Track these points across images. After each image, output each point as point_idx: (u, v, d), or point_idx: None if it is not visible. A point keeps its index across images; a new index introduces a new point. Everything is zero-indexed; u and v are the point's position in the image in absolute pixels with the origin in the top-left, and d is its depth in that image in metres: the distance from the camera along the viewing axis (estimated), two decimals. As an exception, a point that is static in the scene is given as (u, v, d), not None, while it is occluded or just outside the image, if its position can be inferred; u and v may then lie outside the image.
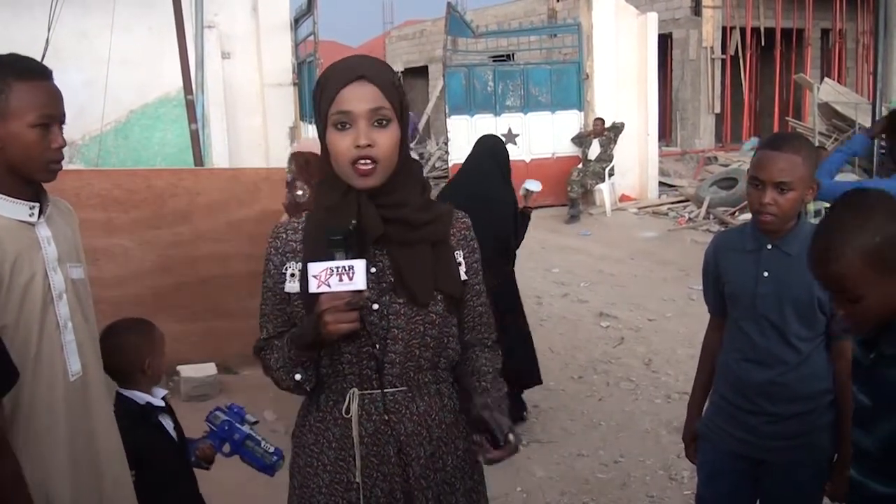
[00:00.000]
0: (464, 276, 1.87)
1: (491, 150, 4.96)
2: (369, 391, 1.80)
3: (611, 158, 12.74)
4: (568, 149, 13.25)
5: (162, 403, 2.58)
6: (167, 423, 2.58)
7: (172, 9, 7.59)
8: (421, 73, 23.32)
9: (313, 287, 1.65)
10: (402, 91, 1.77)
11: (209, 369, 5.59)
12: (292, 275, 1.81)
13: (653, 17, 13.58)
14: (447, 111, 13.09)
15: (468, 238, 1.91)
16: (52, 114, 1.90)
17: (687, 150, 16.21)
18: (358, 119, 1.69)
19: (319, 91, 1.75)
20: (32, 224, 1.91)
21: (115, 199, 5.35)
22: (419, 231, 1.79)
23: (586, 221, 12.51)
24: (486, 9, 21.62)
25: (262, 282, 1.87)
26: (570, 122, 13.50)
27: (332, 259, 1.65)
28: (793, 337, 2.37)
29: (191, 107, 7.90)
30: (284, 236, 1.86)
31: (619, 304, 7.78)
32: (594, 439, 4.81)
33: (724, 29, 16.65)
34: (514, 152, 13.41)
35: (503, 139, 5.42)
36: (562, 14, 17.14)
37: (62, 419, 1.88)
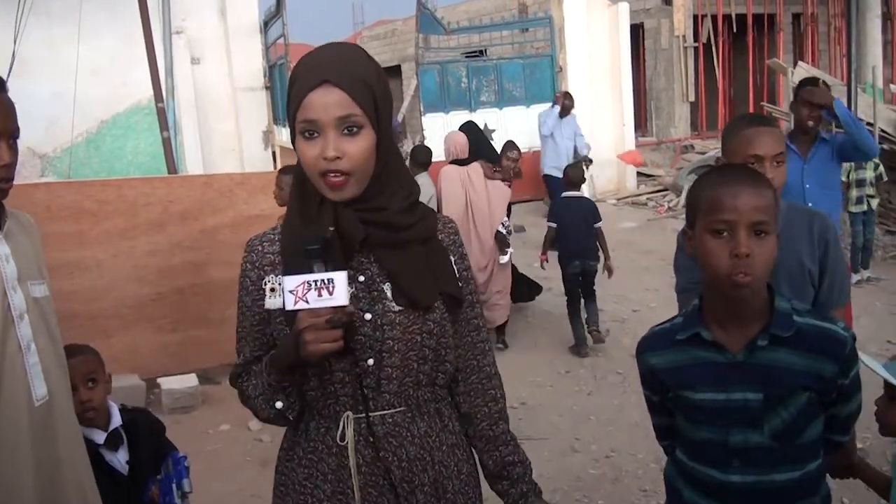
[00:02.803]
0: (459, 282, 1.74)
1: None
2: (365, 414, 1.63)
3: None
4: (544, 143, 13.21)
5: (100, 441, 2.47)
6: (114, 458, 2.48)
7: (140, 16, 7.46)
8: (394, 72, 23.17)
9: (290, 304, 1.49)
10: (379, 86, 1.60)
11: (190, 380, 5.49)
12: (272, 289, 1.65)
13: (624, 8, 13.56)
14: (422, 109, 13.00)
15: (457, 244, 1.77)
16: None
17: (663, 140, 16.21)
18: (325, 128, 1.54)
19: (288, 92, 1.61)
20: None
21: (86, 211, 5.24)
22: (405, 232, 1.64)
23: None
24: (457, 5, 21.53)
25: (238, 301, 1.71)
26: (545, 115, 13.45)
27: (311, 271, 1.49)
28: None
29: (161, 114, 7.78)
30: (260, 249, 1.70)
31: (602, 296, 7.68)
32: (584, 434, 4.76)
33: (695, 17, 16.66)
34: (491, 148, 13.45)
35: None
36: (532, 8, 17.08)
37: (28, 446, 1.77)
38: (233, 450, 4.76)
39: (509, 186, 6.67)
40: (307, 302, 1.48)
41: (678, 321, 1.88)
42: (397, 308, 1.63)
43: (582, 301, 6.41)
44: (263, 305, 1.68)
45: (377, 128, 1.59)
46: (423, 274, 1.65)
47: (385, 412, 1.65)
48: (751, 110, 16.25)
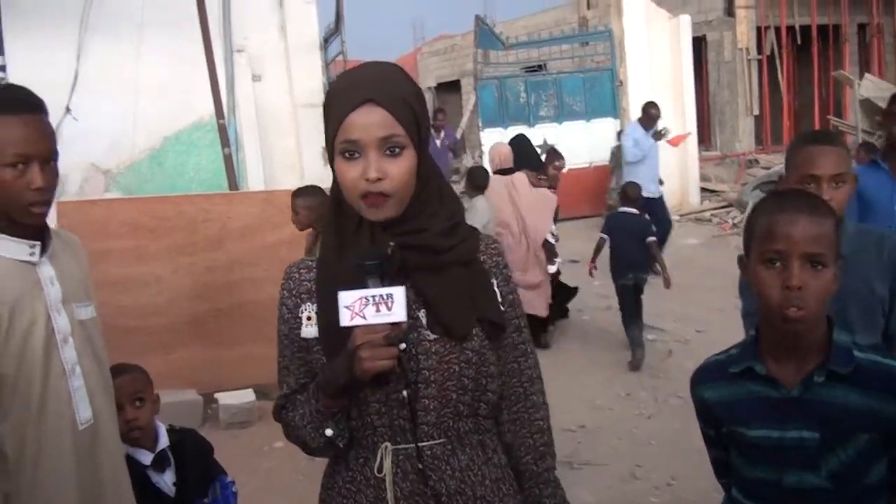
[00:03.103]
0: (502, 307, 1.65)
1: None
2: (403, 445, 1.57)
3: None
4: (605, 157, 13.01)
5: (146, 462, 2.44)
6: (161, 479, 2.44)
7: (201, 35, 7.56)
8: (453, 87, 23.24)
9: (345, 320, 1.44)
10: (419, 106, 1.56)
11: (247, 395, 5.50)
12: (308, 318, 1.61)
13: (685, 20, 13.33)
14: (480, 124, 12.97)
15: (500, 265, 1.68)
16: (28, 152, 1.72)
17: (727, 154, 15.88)
18: (367, 149, 1.50)
19: (326, 112, 1.56)
20: (34, 264, 1.77)
21: (145, 227, 5.29)
22: (445, 255, 1.57)
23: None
24: (515, 20, 21.49)
25: (277, 330, 1.67)
26: (605, 130, 13.28)
27: (366, 286, 1.44)
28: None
29: (223, 131, 7.88)
30: (297, 276, 1.66)
31: (664, 315, 7.54)
32: (645, 460, 4.60)
33: (758, 29, 16.31)
34: (550, 162, 13.33)
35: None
36: (592, 22, 16.94)
37: (72, 470, 1.75)
38: (287, 467, 4.73)
39: (554, 194, 6.93)
40: (364, 318, 1.44)
41: (734, 352, 1.77)
42: (433, 336, 1.57)
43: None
44: (300, 334, 1.63)
45: (418, 148, 1.54)
46: (461, 300, 1.58)
47: (423, 444, 1.58)
48: (816, 123, 15.86)
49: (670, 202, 13.12)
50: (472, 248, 1.63)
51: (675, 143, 13.00)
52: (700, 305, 7.69)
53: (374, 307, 1.43)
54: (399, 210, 1.54)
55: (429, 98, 24.16)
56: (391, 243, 1.52)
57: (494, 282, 1.66)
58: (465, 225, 1.65)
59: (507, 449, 1.70)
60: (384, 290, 1.44)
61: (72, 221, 4.99)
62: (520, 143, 7.51)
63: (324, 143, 1.48)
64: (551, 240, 6.66)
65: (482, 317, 1.60)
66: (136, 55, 8.31)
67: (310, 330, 1.61)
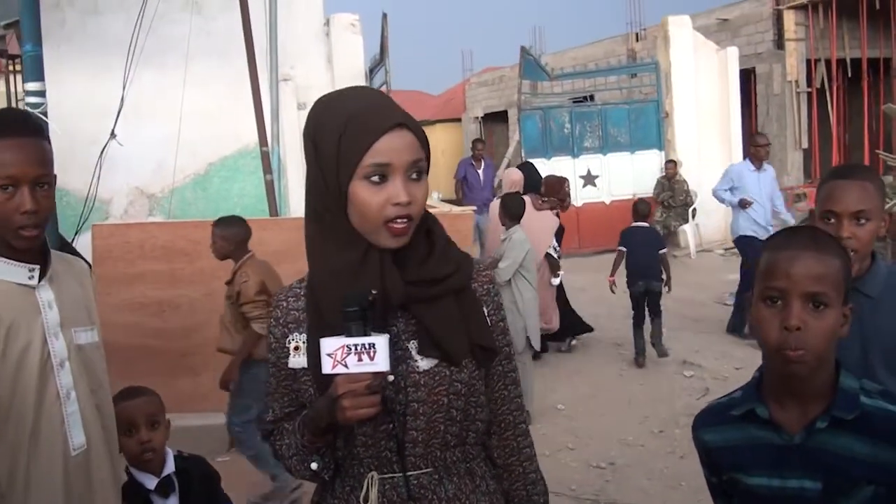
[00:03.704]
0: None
1: None
2: (390, 475, 1.56)
3: (693, 200, 12.33)
4: (649, 190, 12.88)
5: (151, 486, 2.42)
6: None
7: (247, 64, 7.69)
8: (501, 118, 23.30)
9: (327, 367, 1.42)
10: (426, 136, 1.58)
11: (275, 421, 5.48)
12: (296, 348, 1.58)
13: (733, 52, 13.22)
14: (523, 155, 12.93)
15: (492, 293, 1.65)
16: (17, 175, 1.71)
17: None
18: (395, 172, 1.48)
19: (340, 132, 1.49)
20: (33, 287, 1.78)
21: (179, 251, 5.35)
22: (441, 285, 1.56)
23: (670, 264, 12.06)
24: (564, 52, 21.51)
25: (268, 357, 1.67)
26: (650, 162, 13.19)
27: (349, 333, 1.41)
28: None
29: (265, 158, 7.98)
30: (285, 304, 1.63)
31: (703, 351, 7.38)
32: (675, 502, 4.47)
33: (808, 62, 16.07)
34: (594, 194, 13.25)
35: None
36: (641, 54, 16.87)
37: (60, 496, 1.74)
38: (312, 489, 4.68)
39: (557, 216, 7.45)
40: (346, 366, 1.41)
41: (736, 395, 1.68)
42: (422, 368, 1.54)
43: (649, 318, 7.24)
44: (287, 364, 1.61)
45: (428, 173, 1.56)
46: (457, 327, 1.55)
47: (410, 473, 1.56)
48: (866, 157, 15.53)
49: (714, 236, 12.94)
50: (467, 275, 1.62)
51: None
52: (739, 342, 7.50)
53: (356, 356, 1.40)
54: (410, 237, 1.53)
55: (475, 128, 24.25)
56: (373, 291, 1.48)
57: (485, 310, 1.64)
58: (456, 248, 1.63)
59: (498, 470, 1.69)
60: (367, 340, 1.40)
61: (107, 244, 5.08)
62: (527, 170, 8.02)
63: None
64: (553, 253, 7.06)
65: (474, 343, 1.58)
66: (182, 82, 8.46)
67: (297, 360, 1.59)
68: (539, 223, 6.93)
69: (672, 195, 12.25)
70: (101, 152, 7.39)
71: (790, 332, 1.48)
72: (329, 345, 1.42)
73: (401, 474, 1.56)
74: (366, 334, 1.41)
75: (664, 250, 7.38)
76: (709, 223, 12.89)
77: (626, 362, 7.26)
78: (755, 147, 8.22)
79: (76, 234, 6.36)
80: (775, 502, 1.57)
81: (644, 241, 7.27)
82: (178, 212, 9.66)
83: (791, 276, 1.50)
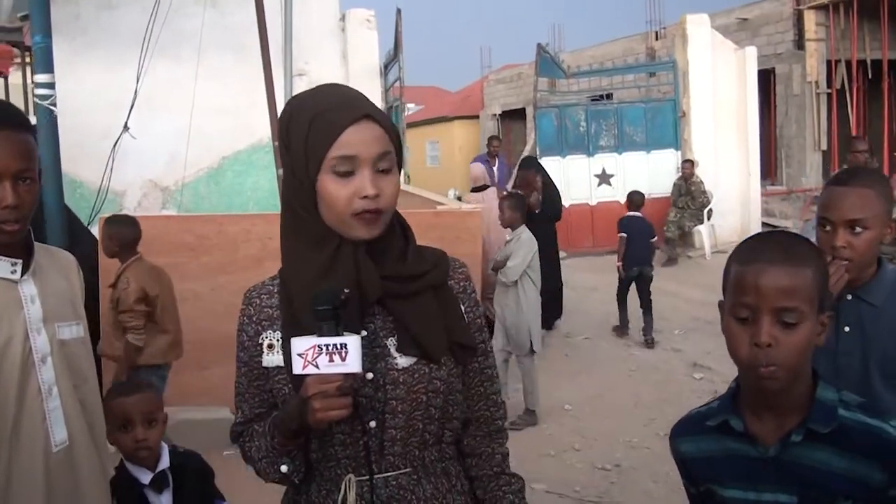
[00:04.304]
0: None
1: None
2: (367, 477, 1.52)
3: (709, 201, 12.23)
4: (664, 189, 12.79)
5: (145, 481, 2.40)
6: (158, 500, 2.41)
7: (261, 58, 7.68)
8: (519, 115, 23.22)
9: (298, 368, 1.39)
10: (397, 130, 1.56)
11: (280, 416, 5.48)
12: (270, 346, 1.55)
13: (751, 52, 13.08)
14: (538, 152, 12.87)
15: (468, 290, 1.64)
16: None
17: (793, 189, 15.46)
18: (363, 165, 1.46)
19: (307, 127, 1.48)
20: (15, 281, 1.76)
21: (186, 245, 5.35)
22: (419, 281, 1.54)
23: (684, 265, 12.00)
24: (583, 50, 21.39)
25: (236, 356, 1.62)
26: (666, 161, 13.07)
27: (321, 332, 1.38)
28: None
29: (276, 152, 7.96)
30: (258, 301, 1.60)
31: (715, 353, 7.30)
32: (678, 505, 4.42)
33: (828, 62, 15.89)
34: (609, 193, 13.17)
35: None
36: (661, 53, 16.74)
37: (40, 493, 1.71)
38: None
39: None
40: (317, 367, 1.38)
41: (714, 405, 1.63)
42: (401, 366, 1.52)
43: (641, 312, 8.00)
44: (261, 362, 1.57)
45: (399, 167, 1.54)
46: (434, 323, 1.53)
47: (389, 474, 1.53)
48: (885, 160, 15.35)
49: (730, 237, 12.82)
50: (444, 272, 1.60)
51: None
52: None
53: (328, 356, 1.37)
54: (384, 229, 1.51)
55: (492, 125, 24.18)
56: (346, 290, 1.44)
57: (462, 307, 1.62)
58: (432, 248, 1.61)
59: (466, 459, 1.67)
60: (338, 340, 1.37)
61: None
62: (532, 165, 8.90)
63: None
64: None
65: (453, 340, 1.56)
66: (196, 76, 8.47)
67: (271, 358, 1.56)
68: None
69: (691, 198, 12.15)
70: (115, 144, 7.42)
71: (761, 349, 1.42)
72: (299, 345, 1.39)
73: (379, 475, 1.52)
74: (338, 334, 1.38)
75: (655, 238, 8.37)
76: (724, 224, 12.78)
77: (636, 363, 7.21)
78: (853, 153, 7.76)
79: (88, 225, 6.38)
80: None
81: (639, 230, 8.14)
82: (191, 205, 9.68)
83: (760, 290, 1.43)
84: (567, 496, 4.59)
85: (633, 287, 8.16)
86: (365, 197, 1.45)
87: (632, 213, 8.41)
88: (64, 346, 1.81)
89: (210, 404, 5.38)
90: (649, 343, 7.78)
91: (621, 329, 8.15)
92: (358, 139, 1.46)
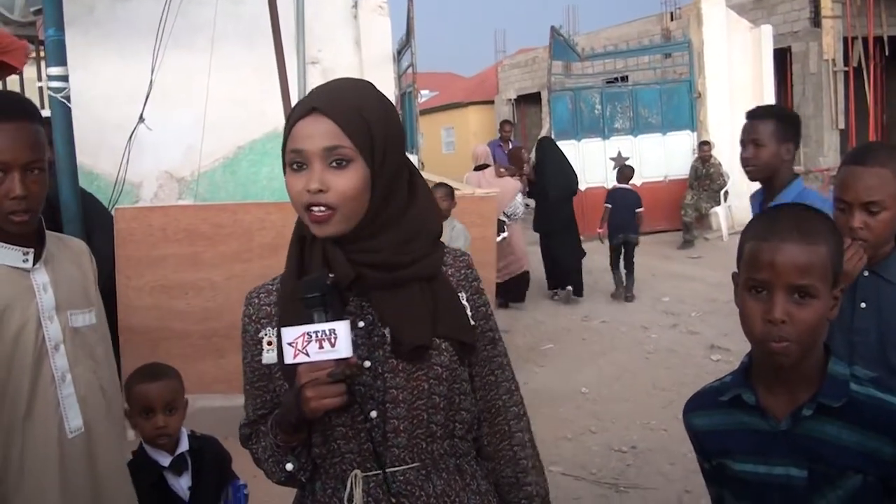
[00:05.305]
0: (471, 322, 1.58)
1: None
2: (374, 472, 1.49)
3: (726, 182, 12.15)
4: (681, 171, 12.71)
5: (165, 464, 2.44)
6: (177, 483, 2.44)
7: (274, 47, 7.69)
8: (535, 99, 23.14)
9: (289, 357, 1.39)
10: (379, 121, 1.47)
11: (297, 403, 5.52)
12: (269, 343, 1.55)
13: (767, 31, 12.95)
14: (553, 136, 12.82)
15: (470, 278, 1.60)
16: (6, 160, 1.70)
17: (811, 169, 15.33)
18: (311, 159, 1.44)
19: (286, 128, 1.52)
20: (27, 270, 1.78)
21: (202, 234, 5.37)
22: (403, 271, 1.50)
23: (701, 247, 11.94)
24: (598, 32, 21.26)
25: (242, 357, 1.62)
26: (682, 143, 13.00)
27: (311, 321, 1.38)
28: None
29: (291, 141, 7.97)
30: (257, 301, 1.61)
31: (732, 335, 7.27)
32: (696, 486, 4.41)
33: (845, 40, 15.70)
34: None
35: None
36: (676, 33, 16.60)
37: (55, 480, 1.74)
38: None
39: (518, 179, 9.20)
40: (307, 355, 1.39)
41: (727, 379, 1.64)
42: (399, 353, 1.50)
43: (623, 271, 9.00)
44: (261, 361, 1.57)
45: (371, 163, 1.46)
46: (420, 316, 1.49)
47: (396, 469, 1.50)
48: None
49: (748, 218, 12.73)
50: (435, 263, 1.56)
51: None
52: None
53: (317, 343, 1.37)
54: (347, 227, 1.47)
55: (508, 110, 24.10)
56: (330, 274, 1.45)
57: (464, 295, 1.58)
58: (427, 240, 1.56)
59: (486, 461, 1.63)
60: (327, 326, 1.38)
61: (130, 227, 5.12)
62: (549, 144, 9.78)
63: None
64: (503, 218, 8.11)
65: (447, 335, 1.53)
66: (210, 66, 8.48)
67: (270, 356, 1.56)
68: (502, 188, 8.25)
69: (710, 180, 12.06)
70: (130, 136, 7.45)
71: (774, 324, 1.43)
72: (289, 334, 1.39)
73: (387, 470, 1.50)
74: (327, 321, 1.38)
75: (641, 209, 9.04)
76: (741, 205, 12.63)
77: (653, 346, 7.20)
78: None
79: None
80: (762, 489, 1.53)
81: (624, 200, 8.96)
82: (207, 195, 9.71)
83: (775, 267, 1.44)
84: (583, 479, 4.60)
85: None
86: (309, 191, 1.44)
87: (620, 185, 9.30)
88: (77, 334, 1.83)
89: (227, 392, 5.43)
90: (629, 298, 8.82)
91: (617, 292, 8.97)
92: (305, 133, 1.45)
